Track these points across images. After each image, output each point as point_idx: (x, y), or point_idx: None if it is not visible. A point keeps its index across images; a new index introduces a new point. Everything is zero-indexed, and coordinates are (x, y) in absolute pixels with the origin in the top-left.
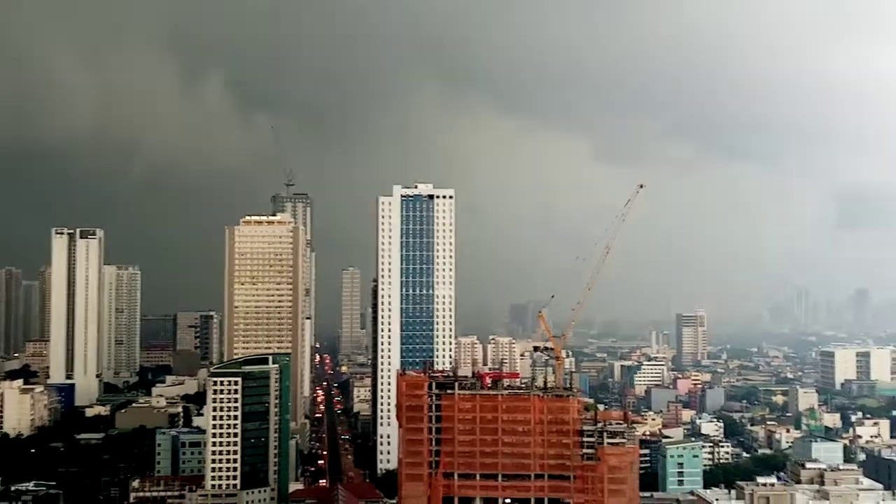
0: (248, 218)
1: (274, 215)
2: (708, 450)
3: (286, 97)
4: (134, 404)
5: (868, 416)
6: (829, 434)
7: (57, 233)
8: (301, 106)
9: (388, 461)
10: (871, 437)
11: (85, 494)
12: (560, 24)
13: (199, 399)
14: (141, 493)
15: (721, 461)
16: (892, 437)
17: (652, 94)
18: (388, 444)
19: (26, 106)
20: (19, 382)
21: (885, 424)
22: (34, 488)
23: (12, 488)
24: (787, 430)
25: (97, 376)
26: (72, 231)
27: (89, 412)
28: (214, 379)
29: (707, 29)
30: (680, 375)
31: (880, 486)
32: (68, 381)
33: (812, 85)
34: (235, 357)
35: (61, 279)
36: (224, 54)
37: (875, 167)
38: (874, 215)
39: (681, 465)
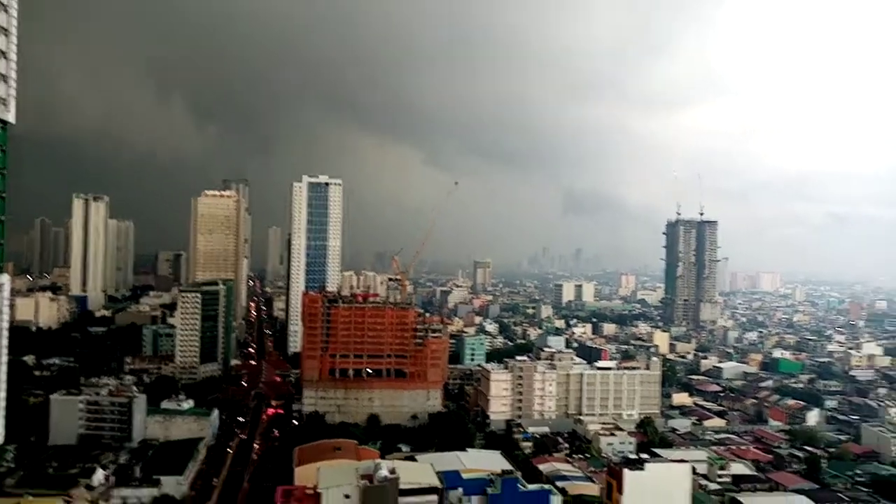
0: (206, 192)
1: (224, 191)
2: (489, 340)
3: (232, 112)
4: (128, 309)
5: (580, 322)
6: (558, 332)
7: (76, 197)
8: (242, 119)
9: (295, 347)
10: (581, 334)
11: (94, 367)
12: (408, 74)
13: (172, 307)
14: (132, 366)
15: (496, 347)
16: (593, 334)
17: (461, 125)
18: (296, 336)
19: (48, 104)
20: (49, 293)
21: (589, 327)
22: (59, 362)
23: (44, 362)
24: (535, 329)
25: (103, 291)
26: (87, 196)
27: (97, 314)
28: (183, 294)
29: (500, 87)
30: (475, 296)
31: (585, 361)
32: (83, 294)
33: (556, 124)
34: (197, 280)
35: (79, 227)
36: (185, 77)
37: (585, 177)
38: (585, 205)
39: (473, 349)
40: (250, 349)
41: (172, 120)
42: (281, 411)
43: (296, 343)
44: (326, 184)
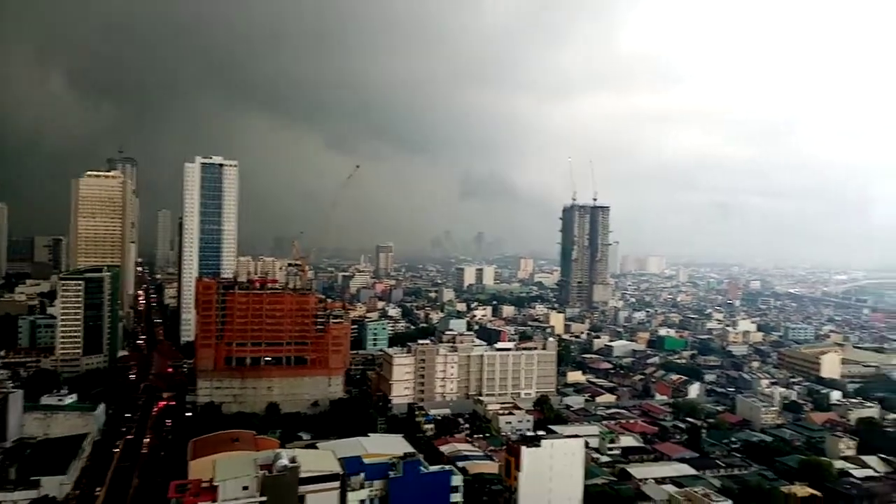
0: (89, 173)
1: (109, 171)
2: (391, 325)
3: (119, 90)
4: (1, 298)
5: (481, 305)
6: (459, 315)
7: None
8: (129, 98)
9: (189, 336)
10: (482, 316)
11: None
12: (307, 57)
13: (51, 296)
14: (7, 360)
15: (399, 331)
16: (493, 316)
17: (362, 109)
18: (189, 325)
19: None
20: None
21: (489, 309)
22: None
23: None
24: (437, 313)
25: None
26: None
27: None
28: (63, 282)
29: (399, 72)
30: (377, 281)
31: (485, 343)
32: None
33: (455, 109)
34: (79, 267)
35: None
36: (67, 52)
37: (484, 162)
38: (485, 190)
39: (375, 334)
40: (139, 339)
41: (53, 97)
42: (173, 403)
43: (189, 332)
44: (221, 165)
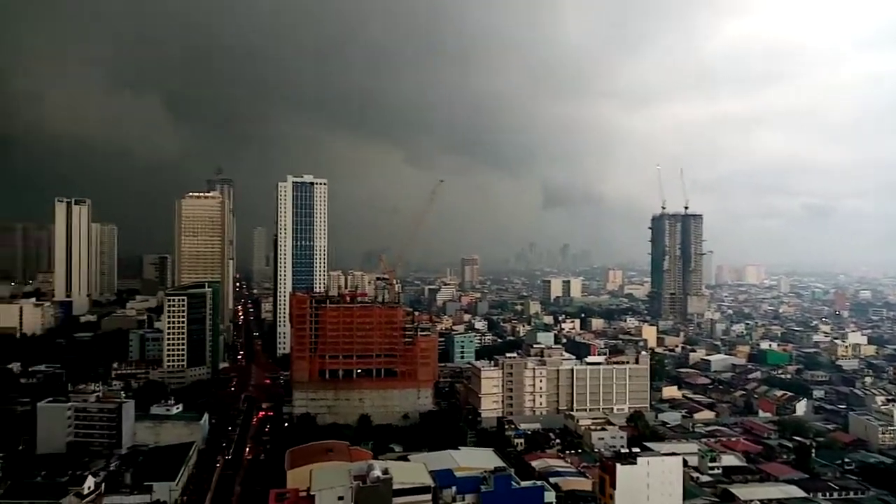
0: (190, 194)
1: (208, 192)
2: (478, 337)
3: (208, 112)
4: (113, 314)
5: (568, 317)
6: (546, 328)
7: (58, 200)
8: (218, 119)
9: (284, 348)
10: (570, 329)
11: (81, 373)
12: (385, 74)
13: (158, 311)
14: (119, 372)
15: (486, 344)
16: (581, 329)
17: (440, 123)
18: (284, 338)
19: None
20: (33, 300)
21: (577, 322)
22: (45, 369)
23: (30, 369)
24: (524, 326)
25: (87, 295)
26: (69, 200)
27: (82, 319)
28: (169, 298)
29: (476, 85)
30: (463, 294)
31: (574, 357)
32: (67, 299)
33: (534, 121)
34: (183, 283)
35: (62, 231)
36: (158, 77)
37: (566, 173)
38: (568, 200)
39: (462, 346)
40: (239, 352)
41: (149, 120)
42: (271, 414)
43: (285, 345)
44: (312, 184)
